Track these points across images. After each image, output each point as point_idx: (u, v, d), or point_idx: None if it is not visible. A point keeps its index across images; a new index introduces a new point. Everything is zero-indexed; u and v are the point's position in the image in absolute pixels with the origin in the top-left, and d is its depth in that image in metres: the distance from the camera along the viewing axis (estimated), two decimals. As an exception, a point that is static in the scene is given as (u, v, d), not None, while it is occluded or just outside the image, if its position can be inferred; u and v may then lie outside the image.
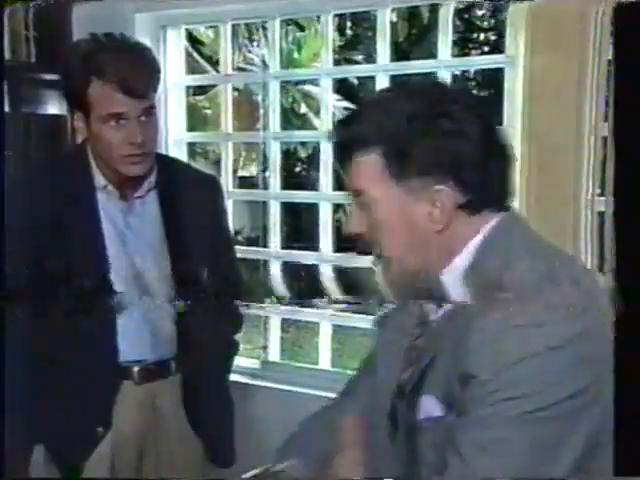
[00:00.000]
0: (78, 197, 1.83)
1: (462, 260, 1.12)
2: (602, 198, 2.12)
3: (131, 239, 1.84)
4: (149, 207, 1.87)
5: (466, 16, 8.71)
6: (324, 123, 2.87)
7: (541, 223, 2.18)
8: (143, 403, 1.86)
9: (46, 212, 1.79)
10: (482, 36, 9.07)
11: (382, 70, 2.65)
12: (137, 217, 1.86)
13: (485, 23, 9.02)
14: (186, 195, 1.88)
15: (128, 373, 1.84)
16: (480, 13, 8.89)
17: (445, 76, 2.54)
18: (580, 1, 2.08)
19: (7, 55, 2.76)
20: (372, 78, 2.73)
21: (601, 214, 2.13)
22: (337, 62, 6.25)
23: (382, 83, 2.65)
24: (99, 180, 1.84)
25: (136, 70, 1.74)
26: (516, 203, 2.24)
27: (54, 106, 2.80)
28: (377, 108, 1.12)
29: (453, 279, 1.13)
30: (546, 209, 2.17)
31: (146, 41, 2.91)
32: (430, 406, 1.10)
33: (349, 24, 9.29)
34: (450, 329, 1.10)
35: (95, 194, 1.83)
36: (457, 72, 4.16)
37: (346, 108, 8.77)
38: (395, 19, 7.88)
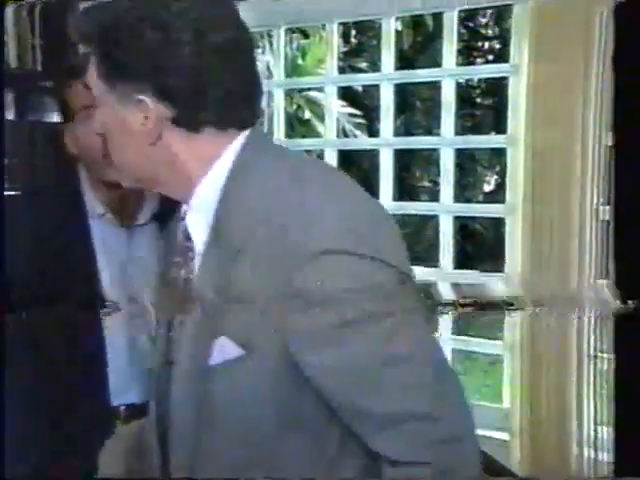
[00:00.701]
0: (69, 228, 1.63)
1: (209, 185, 1.05)
2: (607, 207, 2.11)
3: (133, 272, 1.67)
4: (149, 237, 1.69)
5: (470, 24, 8.72)
6: (328, 129, 2.87)
7: (545, 231, 2.19)
8: (129, 442, 1.73)
9: (35, 241, 1.61)
10: (486, 44, 9.08)
11: (387, 79, 2.66)
12: (140, 248, 1.68)
13: (489, 31, 9.03)
14: None
15: (116, 413, 1.71)
16: (484, 21, 8.90)
17: (449, 84, 2.54)
18: (584, 8, 2.08)
19: (13, 63, 2.77)
20: (377, 86, 2.74)
21: (606, 222, 2.14)
22: (341, 69, 6.25)
23: (386, 91, 2.66)
24: (96, 207, 1.66)
25: None
26: (520, 210, 2.25)
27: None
28: (103, 7, 1.06)
29: (203, 205, 1.06)
30: (551, 217, 2.17)
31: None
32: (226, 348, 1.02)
33: (354, 32, 9.31)
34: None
35: (87, 224, 1.65)
36: (461, 80, 4.16)
37: (351, 114, 8.78)
38: (400, 27, 7.90)
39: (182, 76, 1.01)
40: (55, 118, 1.97)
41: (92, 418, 1.66)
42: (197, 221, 1.07)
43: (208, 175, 1.05)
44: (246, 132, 1.06)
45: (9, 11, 2.73)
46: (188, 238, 1.09)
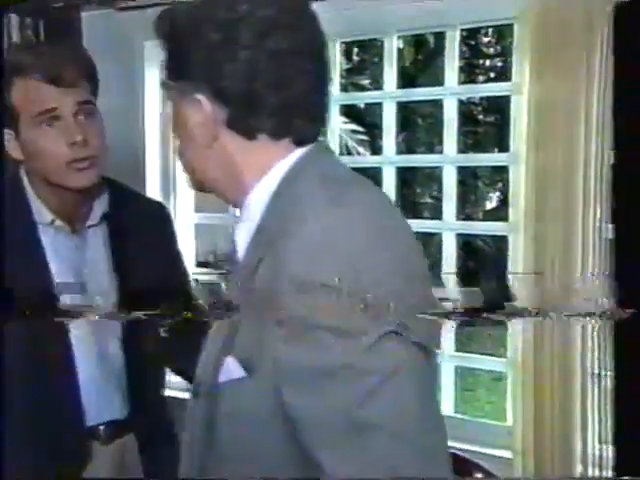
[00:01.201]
0: (16, 237, 1.52)
1: (257, 197, 1.03)
2: (611, 225, 2.12)
3: (88, 276, 1.59)
4: (100, 238, 1.63)
5: (472, 42, 8.76)
6: (331, 146, 2.88)
7: (549, 249, 2.19)
8: (111, 463, 1.65)
9: None
10: (488, 62, 9.11)
11: (389, 97, 2.67)
12: (92, 251, 1.61)
13: (491, 49, 9.07)
14: (136, 227, 1.65)
15: (94, 433, 1.62)
16: (486, 40, 8.94)
17: (452, 103, 2.56)
18: (585, 27, 2.09)
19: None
20: (379, 103, 2.76)
21: (609, 241, 2.14)
22: (344, 86, 6.29)
23: (389, 109, 2.67)
24: (43, 214, 1.57)
25: (61, 58, 1.52)
26: (522, 229, 2.26)
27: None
28: (177, 8, 1.07)
29: (250, 217, 1.04)
30: (555, 235, 2.17)
31: (155, 69, 2.95)
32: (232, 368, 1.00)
33: (356, 49, 9.36)
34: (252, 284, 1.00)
35: (37, 232, 1.57)
36: (463, 97, 4.17)
37: (354, 131, 8.80)
38: (402, 45, 7.94)
39: (237, 79, 0.99)
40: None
41: (65, 439, 1.58)
42: (242, 229, 1.06)
43: (259, 184, 1.04)
44: (305, 147, 1.04)
45: (14, 32, 2.75)
46: (235, 244, 1.08)
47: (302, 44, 1.01)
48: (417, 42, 8.45)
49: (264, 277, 0.96)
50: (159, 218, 1.79)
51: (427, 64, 8.41)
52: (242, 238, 1.05)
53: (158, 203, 1.93)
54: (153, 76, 2.97)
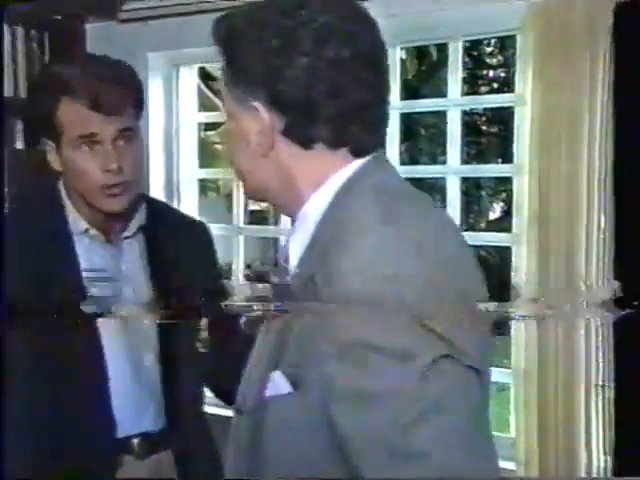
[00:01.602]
0: (52, 247, 1.57)
1: (312, 207, 1.01)
2: (613, 233, 2.12)
3: (123, 289, 1.60)
4: (137, 250, 1.64)
5: (475, 53, 8.78)
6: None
7: (552, 260, 2.19)
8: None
9: (21, 266, 1.52)
10: (491, 72, 9.13)
11: (393, 109, 2.67)
12: (128, 263, 1.62)
13: (494, 60, 9.08)
14: (176, 241, 1.67)
15: (127, 447, 1.60)
16: (489, 50, 8.96)
17: (455, 114, 2.56)
18: (588, 38, 2.10)
19: (23, 94, 2.80)
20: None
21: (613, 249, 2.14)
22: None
23: (392, 121, 2.67)
24: (78, 223, 1.59)
25: (109, 84, 1.52)
26: (524, 239, 2.25)
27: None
28: (235, 13, 1.05)
29: (304, 228, 1.01)
30: (558, 246, 2.17)
31: (159, 80, 2.96)
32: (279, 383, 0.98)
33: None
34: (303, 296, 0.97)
35: (72, 241, 1.58)
36: (466, 108, 4.19)
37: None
38: (405, 56, 7.96)
39: (295, 86, 0.97)
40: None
41: (95, 450, 1.55)
42: (296, 239, 1.03)
43: (315, 195, 1.01)
44: (363, 159, 1.01)
45: (20, 44, 2.76)
46: (287, 257, 1.05)
47: (362, 52, 0.98)
48: (420, 54, 8.47)
49: (316, 291, 0.93)
50: (198, 233, 1.79)
51: (430, 75, 8.42)
52: (296, 248, 1.02)
53: (197, 220, 1.93)
54: (156, 87, 2.98)
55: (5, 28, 2.72)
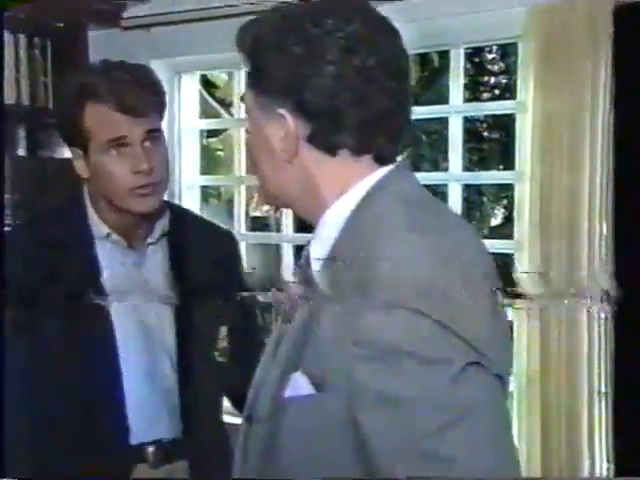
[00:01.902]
0: (73, 251, 1.57)
1: (335, 214, 1.02)
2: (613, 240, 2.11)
3: (144, 295, 1.59)
4: (160, 257, 1.63)
5: (476, 59, 8.79)
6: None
7: (553, 266, 2.19)
8: None
9: (41, 272, 1.54)
10: (492, 79, 9.14)
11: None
12: (151, 270, 1.61)
13: (495, 66, 9.09)
14: (201, 249, 1.66)
15: (141, 454, 1.59)
16: (490, 57, 8.97)
17: (457, 121, 2.56)
18: (589, 44, 2.10)
19: (25, 102, 2.80)
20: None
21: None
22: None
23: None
24: (100, 229, 1.60)
25: (134, 87, 1.54)
26: (526, 245, 2.25)
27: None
28: (260, 21, 1.06)
29: (326, 234, 1.02)
30: (559, 254, 2.17)
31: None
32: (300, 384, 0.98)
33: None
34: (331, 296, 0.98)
35: (94, 247, 1.59)
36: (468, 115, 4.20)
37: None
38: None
39: (321, 94, 0.99)
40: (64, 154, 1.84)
41: (108, 456, 1.54)
42: (317, 245, 1.04)
43: (339, 202, 1.02)
44: (387, 167, 1.03)
45: (22, 51, 2.77)
46: (308, 261, 1.06)
47: (386, 61, 1.00)
48: (422, 60, 8.48)
49: (341, 294, 0.95)
50: (224, 241, 1.79)
51: (432, 82, 8.43)
52: (317, 254, 1.03)
53: (226, 229, 1.92)
54: (159, 94, 2.98)
55: (7, 35, 2.72)
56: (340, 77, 0.98)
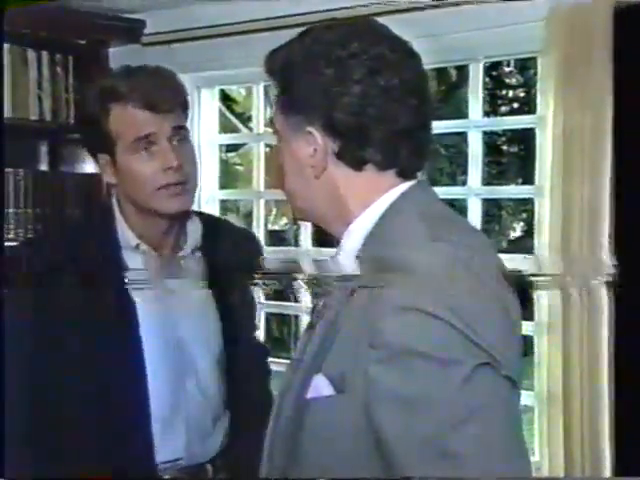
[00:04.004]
0: (102, 261, 1.55)
1: (359, 227, 1.08)
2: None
3: (173, 308, 1.58)
4: (193, 269, 1.61)
5: (494, 73, 8.78)
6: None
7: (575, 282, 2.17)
8: None
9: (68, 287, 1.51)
10: (511, 92, 9.13)
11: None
12: (181, 281, 1.59)
13: (514, 80, 9.08)
14: (231, 256, 1.65)
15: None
16: (508, 70, 8.96)
17: (476, 136, 2.56)
18: (609, 58, 2.09)
19: (48, 117, 2.83)
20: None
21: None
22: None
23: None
24: (128, 238, 1.57)
25: (158, 84, 1.53)
26: (546, 262, 2.24)
27: (91, 165, 2.87)
28: (289, 45, 1.11)
29: (350, 246, 1.08)
30: (581, 270, 2.15)
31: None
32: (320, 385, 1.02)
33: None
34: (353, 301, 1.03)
35: (121, 256, 1.56)
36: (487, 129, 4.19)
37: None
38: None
39: (349, 112, 1.04)
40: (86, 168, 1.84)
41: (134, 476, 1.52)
42: (343, 256, 1.09)
43: (362, 215, 1.08)
44: (409, 182, 1.09)
45: (45, 69, 2.80)
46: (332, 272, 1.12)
47: (408, 80, 1.06)
48: (439, 74, 8.48)
49: (361, 301, 0.99)
50: (252, 249, 1.80)
51: (450, 95, 8.43)
52: (342, 265, 1.08)
53: (249, 231, 1.97)
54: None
55: (30, 52, 2.76)
56: (366, 96, 1.04)
